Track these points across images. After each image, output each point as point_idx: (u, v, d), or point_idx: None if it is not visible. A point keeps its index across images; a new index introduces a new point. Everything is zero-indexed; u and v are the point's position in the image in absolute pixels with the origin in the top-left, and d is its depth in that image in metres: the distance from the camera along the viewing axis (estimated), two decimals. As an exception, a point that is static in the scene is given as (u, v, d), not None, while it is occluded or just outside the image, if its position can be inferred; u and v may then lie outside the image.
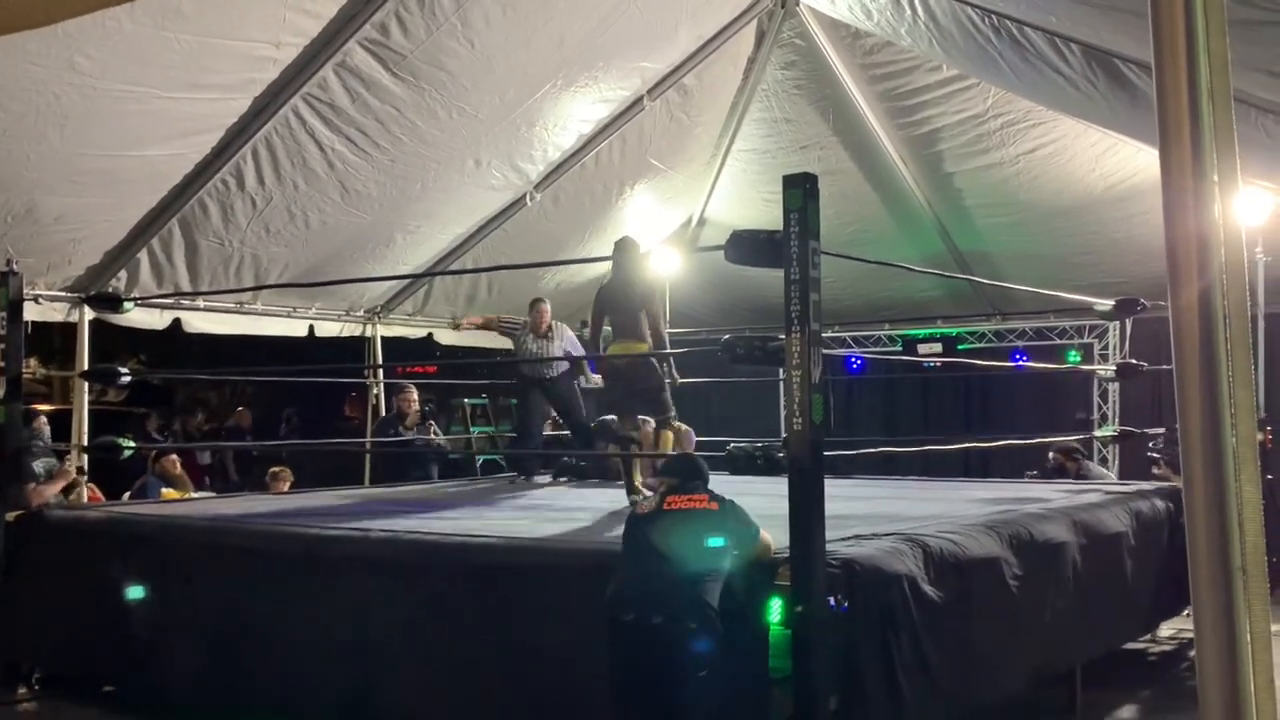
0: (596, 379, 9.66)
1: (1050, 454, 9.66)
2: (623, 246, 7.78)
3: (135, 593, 6.57)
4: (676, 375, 8.20)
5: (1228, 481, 1.42)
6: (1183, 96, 1.44)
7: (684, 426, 8.66)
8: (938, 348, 12.66)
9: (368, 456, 12.05)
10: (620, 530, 4.86)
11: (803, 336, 4.48)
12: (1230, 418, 1.40)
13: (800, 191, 4.57)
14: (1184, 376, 1.45)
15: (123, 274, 9.10)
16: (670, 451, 7.39)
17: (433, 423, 12.15)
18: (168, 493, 9.74)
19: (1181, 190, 1.45)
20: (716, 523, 4.59)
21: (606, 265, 11.85)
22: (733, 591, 4.51)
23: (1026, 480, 9.83)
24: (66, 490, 8.29)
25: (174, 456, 10.78)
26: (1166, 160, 1.47)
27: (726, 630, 4.40)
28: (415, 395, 11.08)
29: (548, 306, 9.56)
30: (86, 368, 9.08)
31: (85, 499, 8.81)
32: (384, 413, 11.83)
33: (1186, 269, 1.43)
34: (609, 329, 7.87)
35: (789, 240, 4.56)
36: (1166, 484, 8.10)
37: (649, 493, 7.06)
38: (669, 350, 7.94)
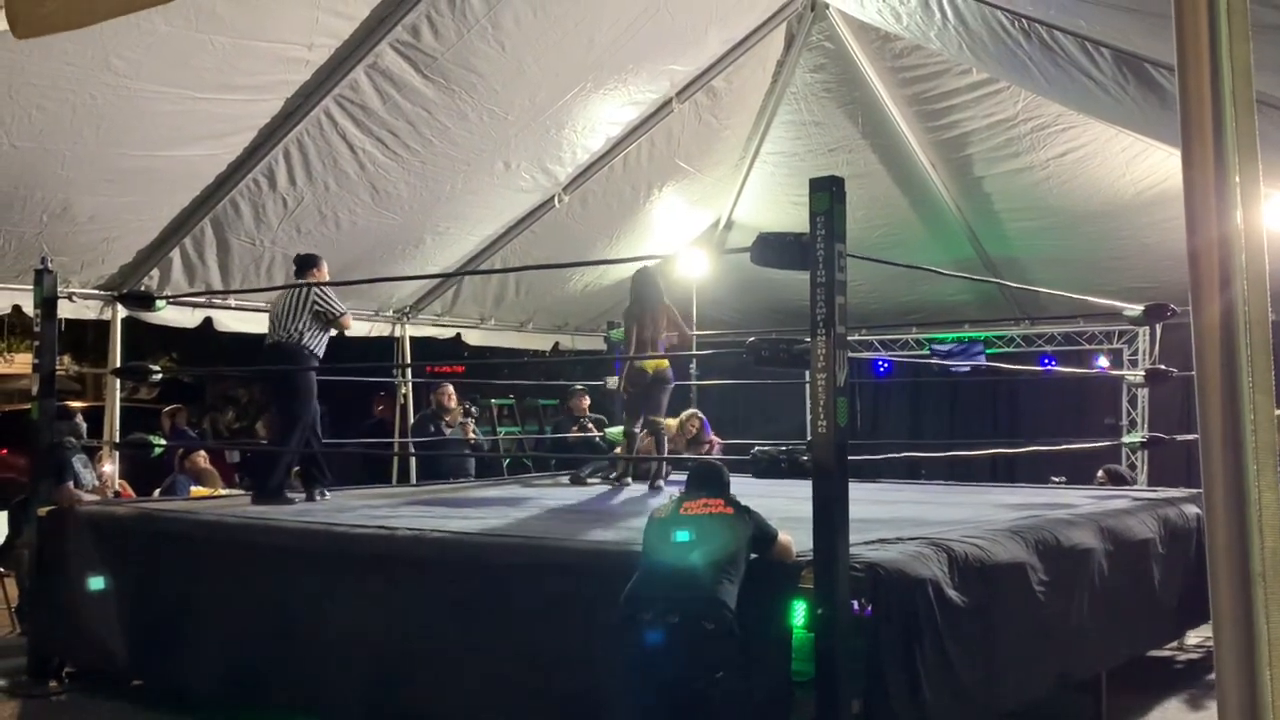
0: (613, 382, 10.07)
1: (1099, 472, 9.62)
2: (642, 277, 8.90)
3: (163, 588, 6.64)
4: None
5: (1248, 487, 1.42)
6: (1205, 101, 1.45)
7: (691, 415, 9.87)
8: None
9: (398, 455, 12.12)
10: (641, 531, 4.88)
11: (828, 339, 4.48)
12: (1251, 424, 1.40)
13: (827, 194, 4.57)
14: (1205, 382, 1.45)
15: (155, 272, 9.20)
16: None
17: (471, 420, 12.21)
18: (197, 490, 9.82)
19: (1204, 195, 1.46)
20: (732, 525, 4.60)
21: (634, 267, 12.00)
22: (752, 594, 4.51)
23: (1053, 485, 9.77)
24: None
25: (202, 452, 10.87)
26: (1189, 165, 1.48)
27: (749, 633, 4.41)
28: (452, 390, 11.16)
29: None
30: (119, 365, 9.18)
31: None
32: (413, 412, 11.91)
33: (1208, 274, 1.44)
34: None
35: (815, 243, 4.56)
36: None
37: (662, 483, 8.76)
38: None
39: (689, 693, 4.37)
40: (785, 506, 5.23)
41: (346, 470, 12.65)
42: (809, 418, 12.22)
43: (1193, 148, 1.45)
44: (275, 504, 7.54)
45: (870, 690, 4.44)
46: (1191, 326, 1.44)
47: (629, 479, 9.10)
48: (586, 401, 11.65)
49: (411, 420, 11.79)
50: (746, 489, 5.07)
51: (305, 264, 8.12)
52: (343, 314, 7.97)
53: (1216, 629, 1.49)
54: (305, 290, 7.81)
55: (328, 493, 8.07)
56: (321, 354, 8.00)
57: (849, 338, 4.67)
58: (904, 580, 4.65)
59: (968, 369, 12.39)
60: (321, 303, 7.81)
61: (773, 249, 4.85)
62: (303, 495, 8.04)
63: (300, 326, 7.73)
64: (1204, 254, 1.41)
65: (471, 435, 11.59)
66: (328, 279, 8.21)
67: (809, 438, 4.68)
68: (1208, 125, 1.42)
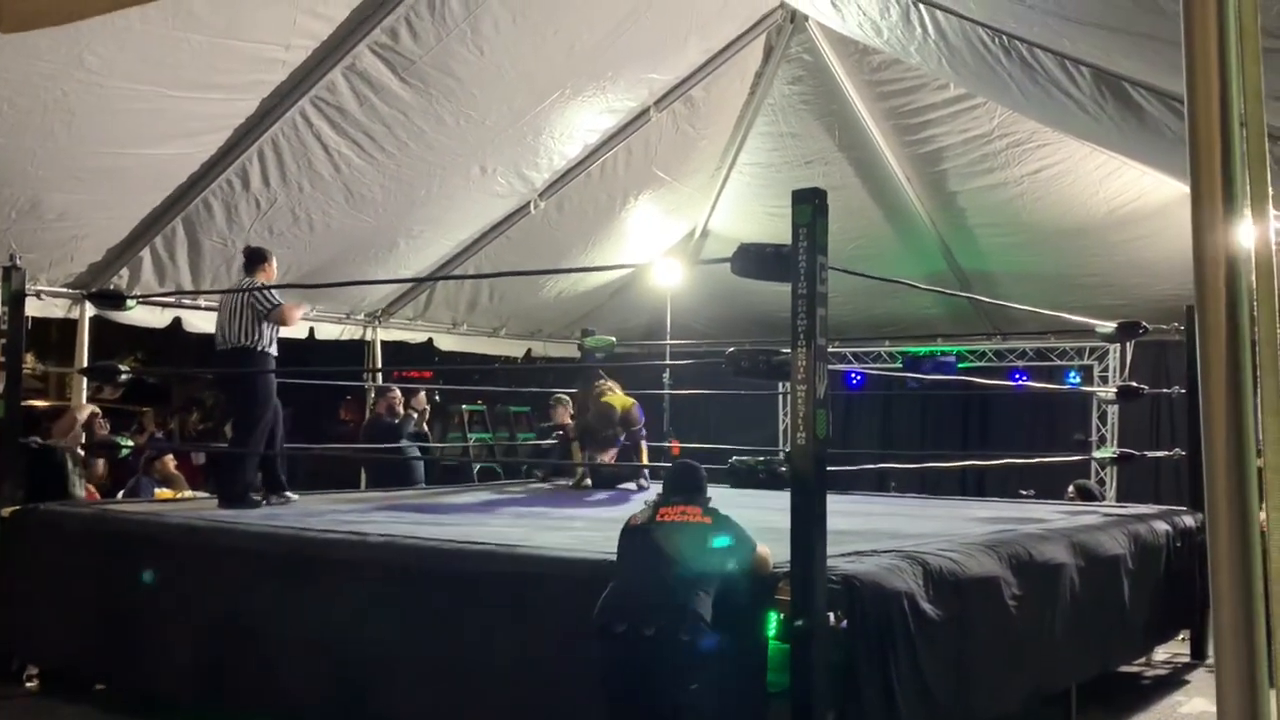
0: None
1: (1070, 487, 9.69)
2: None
3: (128, 591, 6.55)
4: None
5: (1250, 508, 1.42)
6: (1214, 124, 1.45)
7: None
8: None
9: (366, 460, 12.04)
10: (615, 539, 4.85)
11: (809, 351, 4.47)
12: (1257, 445, 1.40)
13: (810, 207, 4.57)
14: (1210, 403, 1.45)
15: (125, 272, 9.10)
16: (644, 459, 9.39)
17: (428, 410, 12.29)
18: (162, 492, 9.71)
19: (1212, 216, 1.45)
20: (709, 535, 4.58)
21: (609, 275, 12.02)
22: (729, 605, 4.50)
23: (1023, 499, 9.83)
24: (88, 424, 8.33)
25: (168, 455, 10.76)
26: (1197, 187, 1.48)
27: (724, 644, 4.39)
28: (399, 394, 11.15)
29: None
30: (86, 364, 9.07)
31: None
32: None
33: (1215, 295, 1.43)
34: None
35: (797, 255, 4.56)
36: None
37: (589, 483, 9.48)
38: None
39: (663, 704, 4.35)
40: (759, 517, 5.22)
41: (315, 475, 12.57)
42: (781, 428, 12.27)
43: (1201, 169, 1.45)
44: (241, 508, 7.45)
45: (845, 701, 4.44)
46: (1198, 347, 1.43)
47: (588, 480, 9.64)
48: (565, 411, 11.71)
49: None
50: (719, 498, 5.05)
51: (254, 258, 7.87)
52: (276, 306, 7.64)
53: (1218, 646, 1.49)
54: (245, 294, 7.61)
55: (291, 495, 7.96)
56: (275, 351, 7.85)
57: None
58: (879, 593, 4.66)
59: (937, 378, 12.43)
60: (260, 302, 7.58)
61: (754, 260, 4.84)
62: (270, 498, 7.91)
63: (247, 328, 7.57)
64: (1210, 273, 1.41)
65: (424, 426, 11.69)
66: (275, 273, 8.07)
67: (781, 447, 4.67)
68: (1216, 146, 1.42)
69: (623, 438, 9.31)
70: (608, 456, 9.40)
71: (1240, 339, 1.40)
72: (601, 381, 9.74)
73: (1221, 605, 1.47)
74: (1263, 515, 1.40)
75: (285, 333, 10.89)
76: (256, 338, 7.57)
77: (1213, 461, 1.46)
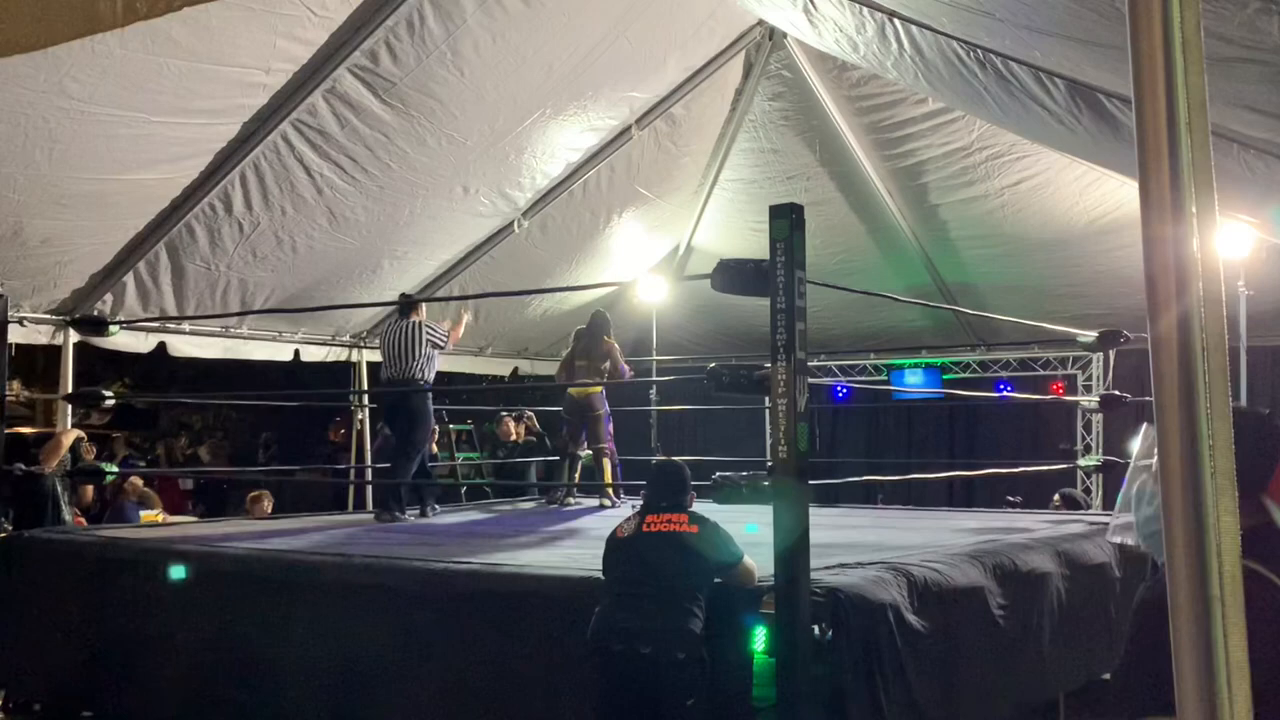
0: None
1: (1055, 496, 9.72)
2: (599, 318, 9.73)
3: (114, 617, 6.53)
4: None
5: (1206, 512, 1.43)
6: (1161, 132, 1.47)
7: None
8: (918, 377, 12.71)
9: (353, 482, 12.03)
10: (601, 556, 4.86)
11: (789, 365, 4.49)
12: (1209, 450, 1.41)
13: (787, 221, 4.60)
14: (1163, 410, 1.46)
15: (109, 297, 9.08)
16: (608, 477, 9.79)
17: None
18: (146, 515, 9.68)
19: (1160, 224, 1.47)
20: (697, 546, 4.59)
21: (593, 293, 12.06)
22: (716, 618, 4.51)
23: (1008, 510, 9.86)
24: (73, 449, 8.47)
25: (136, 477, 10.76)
26: (1145, 194, 1.50)
27: (712, 658, 4.40)
28: None
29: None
30: (70, 390, 9.05)
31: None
32: (369, 439, 11.85)
33: (1165, 302, 1.45)
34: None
35: (775, 269, 4.59)
36: None
37: (574, 500, 9.79)
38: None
39: (658, 720, 4.36)
40: (748, 532, 5.23)
41: (306, 496, 12.54)
42: (769, 442, 12.28)
43: (1148, 176, 1.47)
44: (391, 520, 8.26)
45: (831, 715, 4.45)
46: (1150, 354, 1.45)
47: (570, 499, 9.96)
48: (512, 425, 11.86)
49: (370, 447, 11.79)
50: (707, 514, 5.06)
51: (407, 307, 8.86)
52: (447, 336, 8.84)
53: (1176, 652, 1.50)
54: (416, 330, 8.51)
55: (438, 507, 9.03)
56: (432, 380, 8.83)
57: (808, 363, 4.69)
58: (864, 605, 4.67)
59: (924, 394, 12.48)
60: (435, 338, 8.64)
61: (733, 275, 4.87)
62: (416, 513, 8.74)
63: (420, 359, 8.48)
64: (1160, 280, 1.42)
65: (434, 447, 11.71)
66: (424, 314, 8.93)
67: (769, 463, 4.68)
68: (1163, 154, 1.44)
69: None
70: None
71: (1190, 345, 1.41)
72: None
73: (1179, 612, 1.49)
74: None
75: (270, 355, 10.99)
76: (421, 367, 8.53)
77: (1168, 470, 1.47)
